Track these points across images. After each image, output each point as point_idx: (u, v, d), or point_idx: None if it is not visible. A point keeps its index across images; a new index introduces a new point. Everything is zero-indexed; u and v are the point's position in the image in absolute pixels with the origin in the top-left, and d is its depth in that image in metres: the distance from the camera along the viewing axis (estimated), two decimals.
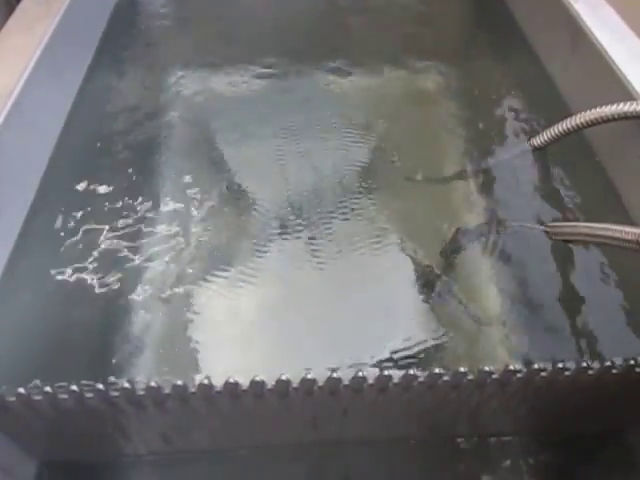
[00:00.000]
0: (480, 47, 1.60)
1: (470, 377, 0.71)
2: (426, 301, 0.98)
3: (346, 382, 0.70)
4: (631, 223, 0.99)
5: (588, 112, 1.04)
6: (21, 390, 0.68)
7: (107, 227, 1.10)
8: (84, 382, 0.68)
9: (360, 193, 1.18)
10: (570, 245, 1.03)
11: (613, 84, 1.08)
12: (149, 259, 1.06)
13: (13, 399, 0.68)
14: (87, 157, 1.23)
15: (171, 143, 1.30)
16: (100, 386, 0.68)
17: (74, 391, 0.68)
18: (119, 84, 1.44)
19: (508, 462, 0.88)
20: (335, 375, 0.69)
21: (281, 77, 1.47)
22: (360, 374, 0.69)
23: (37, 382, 0.69)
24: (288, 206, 1.15)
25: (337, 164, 1.23)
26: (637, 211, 1.03)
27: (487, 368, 0.71)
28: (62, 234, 1.08)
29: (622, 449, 0.88)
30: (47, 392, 0.68)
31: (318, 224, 1.12)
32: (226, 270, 1.05)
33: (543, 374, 0.71)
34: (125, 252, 1.06)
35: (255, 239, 1.10)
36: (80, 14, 1.39)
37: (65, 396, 0.69)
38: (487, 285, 1.02)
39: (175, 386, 0.69)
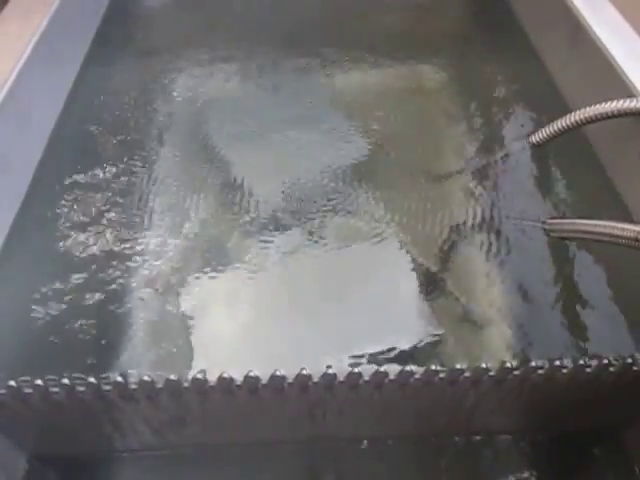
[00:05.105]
0: (479, 43, 1.59)
1: (467, 374, 0.71)
2: (423, 298, 0.98)
3: (342, 378, 0.70)
4: (630, 220, 0.98)
5: (587, 109, 1.03)
6: (12, 383, 0.67)
7: (101, 219, 1.09)
8: (76, 375, 0.68)
9: (358, 189, 1.17)
10: (567, 242, 1.03)
11: (612, 81, 1.08)
12: (144, 253, 1.05)
13: (4, 392, 0.68)
14: (82, 147, 1.22)
15: (168, 133, 1.29)
16: (92, 379, 0.68)
17: (66, 384, 0.67)
18: (116, 74, 1.43)
19: (505, 459, 0.87)
20: (330, 371, 0.69)
21: (278, 71, 1.47)
22: (356, 370, 0.69)
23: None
24: (285, 201, 1.14)
25: (335, 160, 1.23)
26: (636, 208, 1.02)
27: (484, 365, 0.70)
28: (56, 224, 1.07)
29: (619, 446, 0.88)
30: (38, 385, 0.68)
31: (316, 220, 1.11)
32: (222, 264, 1.04)
33: (540, 372, 0.71)
34: (119, 245, 1.05)
35: (252, 234, 1.09)
36: (77, 2, 1.38)
37: (56, 389, 0.68)
38: (484, 281, 1.01)
39: (168, 380, 0.68)
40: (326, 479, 0.86)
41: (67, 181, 1.14)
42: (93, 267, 1.01)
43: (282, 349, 0.91)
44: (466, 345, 0.93)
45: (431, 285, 1.00)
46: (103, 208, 1.11)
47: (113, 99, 1.35)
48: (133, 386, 0.69)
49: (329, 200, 1.15)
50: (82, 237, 1.05)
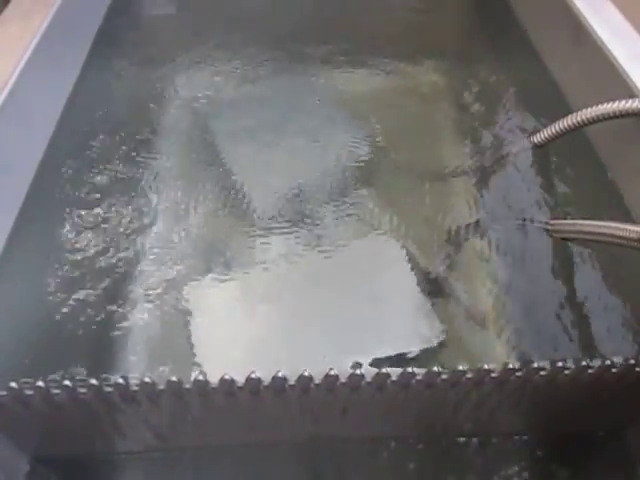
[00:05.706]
0: (480, 44, 1.59)
1: (469, 375, 0.70)
2: (425, 299, 0.97)
3: (343, 380, 0.69)
4: (632, 221, 0.98)
5: (589, 109, 1.03)
6: (13, 384, 0.67)
7: (102, 220, 1.09)
8: (77, 377, 0.68)
9: (359, 190, 1.17)
10: (570, 243, 1.02)
11: (614, 81, 1.07)
12: (145, 253, 1.05)
13: (4, 394, 0.68)
14: (83, 148, 1.22)
15: (169, 134, 1.29)
16: (93, 381, 0.67)
17: (67, 386, 0.67)
18: (117, 75, 1.43)
19: (507, 460, 0.87)
20: (332, 373, 0.68)
21: (279, 72, 1.46)
22: (358, 372, 0.69)
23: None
24: (286, 203, 1.14)
25: (336, 161, 1.22)
26: (638, 209, 1.02)
27: (486, 366, 0.70)
28: (57, 225, 1.06)
29: (621, 448, 0.88)
30: (39, 387, 0.67)
31: (317, 221, 1.11)
32: (222, 266, 1.04)
33: (542, 373, 0.71)
34: (120, 246, 1.05)
35: (254, 236, 1.09)
36: (78, 3, 1.38)
37: (58, 391, 0.68)
38: (486, 282, 1.01)
39: (170, 382, 0.68)
40: None
41: (68, 182, 1.14)
42: (94, 268, 1.01)
43: (283, 351, 0.91)
44: (468, 346, 0.93)
45: (432, 286, 1.00)
46: (104, 209, 1.11)
47: (114, 100, 1.35)
48: (134, 387, 0.68)
49: (330, 201, 1.15)
50: (83, 238, 1.05)
